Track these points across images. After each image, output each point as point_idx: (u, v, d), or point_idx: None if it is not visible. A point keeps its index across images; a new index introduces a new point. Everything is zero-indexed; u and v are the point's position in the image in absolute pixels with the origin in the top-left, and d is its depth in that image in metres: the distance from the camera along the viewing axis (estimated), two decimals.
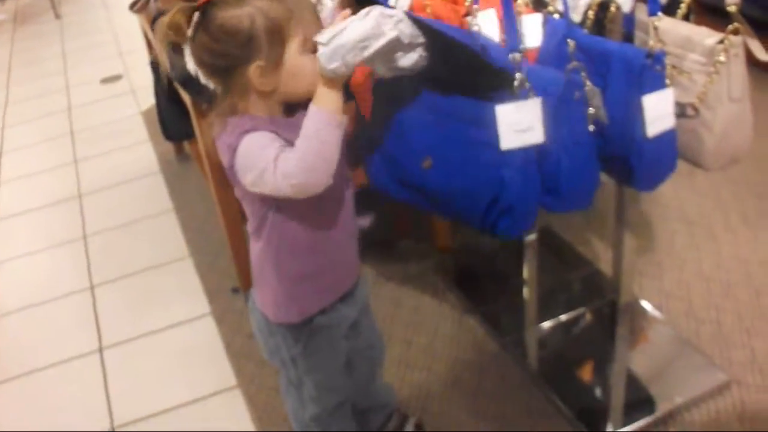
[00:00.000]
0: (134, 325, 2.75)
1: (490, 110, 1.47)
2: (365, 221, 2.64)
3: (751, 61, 1.63)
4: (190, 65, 1.46)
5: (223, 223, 2.60)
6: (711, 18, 1.79)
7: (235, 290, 2.77)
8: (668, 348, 2.29)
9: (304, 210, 1.49)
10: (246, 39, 1.35)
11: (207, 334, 2.63)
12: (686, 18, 1.74)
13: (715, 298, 2.42)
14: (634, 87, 1.58)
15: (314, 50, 1.39)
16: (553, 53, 1.71)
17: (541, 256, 2.38)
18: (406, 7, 1.80)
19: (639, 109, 1.57)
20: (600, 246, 2.71)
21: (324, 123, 1.35)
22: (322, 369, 1.73)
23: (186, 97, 2.49)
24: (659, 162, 1.67)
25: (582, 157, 1.61)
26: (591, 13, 1.80)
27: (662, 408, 2.05)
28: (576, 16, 1.77)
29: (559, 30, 1.72)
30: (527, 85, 1.48)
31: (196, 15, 1.37)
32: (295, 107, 1.48)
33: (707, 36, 1.63)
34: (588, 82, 1.58)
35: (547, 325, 2.41)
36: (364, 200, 1.82)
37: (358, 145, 1.72)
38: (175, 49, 1.45)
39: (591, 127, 1.60)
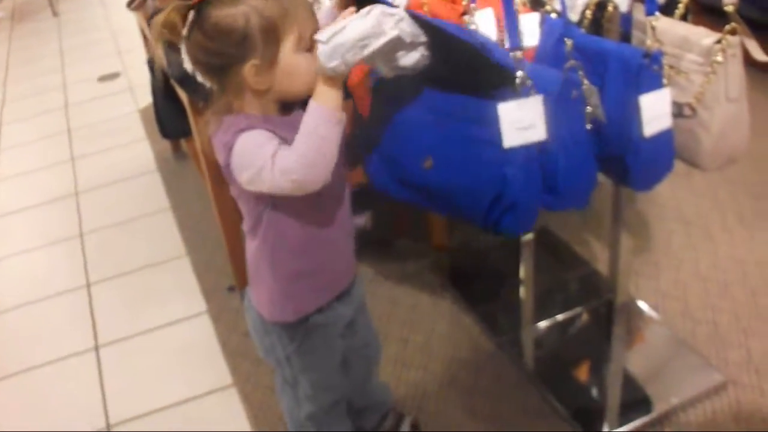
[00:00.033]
0: (130, 324, 2.74)
1: (492, 108, 1.47)
2: (362, 220, 2.65)
3: (749, 61, 1.63)
4: (187, 63, 1.45)
5: (219, 221, 2.60)
6: (709, 18, 1.79)
7: (231, 289, 2.77)
8: (664, 348, 2.29)
9: (300, 208, 1.49)
10: (241, 38, 1.35)
11: (203, 333, 2.63)
12: (684, 18, 1.74)
13: (711, 298, 2.42)
14: (632, 87, 1.58)
15: (310, 49, 1.39)
16: (550, 52, 1.71)
17: (537, 256, 2.38)
18: (403, 5, 1.80)
19: (636, 109, 1.57)
20: (597, 246, 2.71)
21: (324, 119, 1.34)
22: (318, 368, 1.73)
23: (183, 95, 2.48)
24: (656, 162, 1.67)
25: (580, 156, 1.60)
26: (588, 13, 1.80)
27: (658, 408, 2.05)
28: (573, 16, 1.77)
29: (556, 29, 1.71)
30: (529, 83, 1.48)
31: (192, 13, 1.37)
32: (292, 106, 1.48)
33: (705, 36, 1.63)
34: (585, 81, 1.58)
35: (543, 324, 2.41)
36: (361, 199, 1.82)
37: (356, 145, 1.72)
38: (172, 47, 1.45)
39: (588, 126, 1.59)
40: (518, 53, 1.49)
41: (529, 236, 2.32)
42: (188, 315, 2.74)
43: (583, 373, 2.28)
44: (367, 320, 1.88)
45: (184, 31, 1.38)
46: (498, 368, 2.28)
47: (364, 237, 2.66)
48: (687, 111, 1.66)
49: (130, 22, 4.10)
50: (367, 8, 1.31)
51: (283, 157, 1.34)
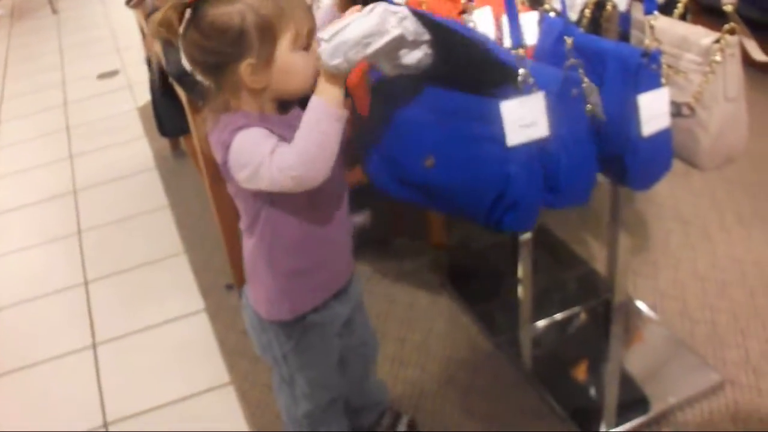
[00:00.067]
0: (128, 321, 2.74)
1: (494, 106, 1.47)
2: (361, 218, 2.65)
3: (747, 61, 1.62)
4: (185, 61, 1.45)
5: (217, 219, 2.60)
6: (708, 18, 1.79)
7: (229, 287, 2.77)
8: (662, 348, 2.29)
9: (297, 206, 1.48)
10: (236, 36, 1.35)
11: (201, 331, 2.63)
12: (683, 18, 1.73)
13: (709, 297, 2.42)
14: (630, 86, 1.58)
15: (306, 47, 1.39)
16: (548, 51, 1.71)
17: (536, 255, 2.38)
18: (404, 2, 1.79)
19: (634, 108, 1.56)
20: (595, 245, 2.71)
21: (325, 115, 1.34)
22: (315, 366, 1.73)
23: (181, 93, 2.48)
24: (654, 161, 1.67)
25: (581, 154, 1.60)
26: (587, 12, 1.80)
27: (656, 408, 2.05)
28: (572, 15, 1.77)
29: (555, 28, 1.71)
30: (530, 80, 1.48)
31: (188, 12, 1.36)
32: (289, 104, 1.48)
33: (703, 35, 1.63)
34: (586, 79, 1.57)
35: (541, 324, 2.41)
36: (360, 198, 1.82)
37: (355, 145, 1.72)
38: (171, 45, 1.45)
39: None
40: (520, 51, 1.49)
41: (527, 235, 2.32)
42: (186, 313, 2.74)
43: (580, 372, 2.28)
44: (364, 319, 1.88)
45: (181, 29, 1.38)
46: (496, 367, 2.28)
47: (362, 235, 2.66)
48: (685, 110, 1.66)
49: (129, 20, 4.10)
50: (371, 6, 1.31)
51: (283, 153, 1.34)
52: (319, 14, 1.57)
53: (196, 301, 2.78)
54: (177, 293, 2.85)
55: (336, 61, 1.30)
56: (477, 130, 1.52)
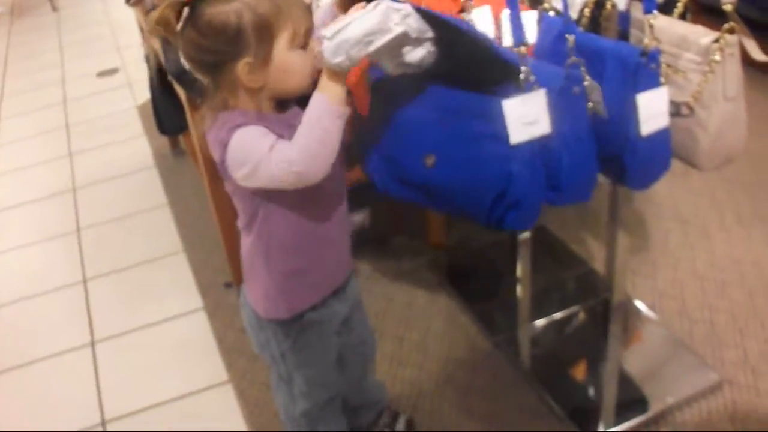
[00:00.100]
0: (126, 319, 2.74)
1: (497, 104, 1.47)
2: (360, 217, 2.65)
3: (747, 60, 1.62)
4: (183, 59, 1.45)
5: (216, 218, 2.60)
6: (708, 17, 1.78)
7: (227, 285, 2.77)
8: (661, 347, 2.29)
9: (295, 205, 1.48)
10: (233, 35, 1.34)
11: (199, 329, 2.63)
12: (683, 17, 1.73)
13: (708, 297, 2.42)
14: (629, 85, 1.57)
15: (304, 46, 1.39)
16: (547, 50, 1.70)
17: (534, 255, 2.37)
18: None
19: (633, 108, 1.56)
20: (594, 245, 2.71)
21: (327, 112, 1.34)
22: (312, 364, 1.73)
23: (180, 91, 2.48)
24: (653, 161, 1.67)
25: (582, 151, 1.60)
26: (587, 11, 1.80)
27: (654, 408, 2.05)
28: (572, 14, 1.77)
29: (554, 27, 1.71)
30: (532, 78, 1.48)
31: (186, 10, 1.36)
32: (288, 103, 1.47)
33: (703, 35, 1.63)
34: (587, 77, 1.57)
35: (539, 323, 2.40)
36: (359, 197, 1.82)
37: (355, 145, 1.72)
38: (170, 43, 1.45)
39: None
40: (522, 49, 1.49)
41: (526, 235, 2.31)
42: (184, 311, 2.73)
43: (579, 372, 2.28)
44: (363, 317, 1.88)
45: (179, 28, 1.37)
46: (494, 367, 2.27)
47: (361, 234, 2.66)
48: (684, 110, 1.66)
49: (129, 18, 4.10)
50: (374, 3, 1.30)
51: (283, 149, 1.34)
52: (319, 13, 1.57)
53: (195, 300, 2.78)
54: (176, 291, 2.84)
55: (338, 59, 1.30)
56: (479, 128, 1.52)
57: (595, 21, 1.83)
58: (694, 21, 1.76)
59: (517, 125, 1.47)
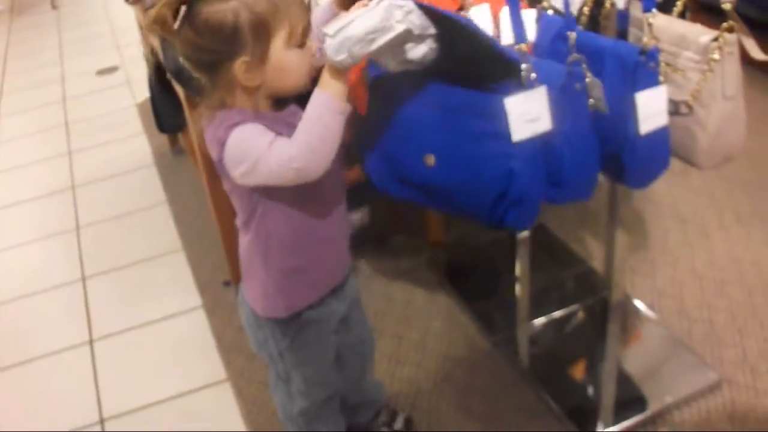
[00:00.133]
0: (125, 317, 2.74)
1: (498, 102, 1.47)
2: (359, 216, 2.64)
3: (746, 59, 1.62)
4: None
5: (215, 216, 2.60)
6: (707, 16, 1.78)
7: (226, 283, 2.77)
8: (660, 347, 2.29)
9: (293, 203, 1.48)
10: (230, 34, 1.34)
11: (198, 327, 2.63)
12: (682, 16, 1.73)
13: (707, 296, 2.41)
14: (628, 84, 1.57)
15: (301, 45, 1.38)
16: (546, 49, 1.70)
17: (534, 254, 2.37)
18: None
19: (632, 106, 1.56)
20: (593, 244, 2.70)
21: (328, 108, 1.34)
22: (311, 363, 1.73)
23: (179, 89, 2.48)
24: (652, 159, 1.66)
25: (584, 148, 1.60)
26: (586, 9, 1.79)
27: (652, 407, 2.05)
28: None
29: (553, 26, 1.71)
30: (533, 75, 1.48)
31: (183, 9, 1.35)
32: (286, 101, 1.47)
33: (702, 33, 1.62)
34: (589, 74, 1.57)
35: (538, 322, 2.40)
36: (358, 195, 1.81)
37: (354, 145, 1.71)
38: (169, 41, 1.44)
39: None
40: (523, 46, 1.49)
41: (525, 233, 2.31)
42: (183, 309, 2.73)
43: (577, 371, 2.27)
44: (361, 316, 1.88)
45: (176, 27, 1.37)
46: (493, 366, 2.27)
47: (360, 233, 2.67)
48: (683, 109, 1.65)
49: (129, 16, 4.09)
50: (376, 0, 1.30)
51: (283, 146, 1.34)
52: (318, 11, 1.57)
53: (194, 298, 2.77)
54: (174, 290, 2.84)
55: (340, 57, 1.30)
56: (480, 126, 1.52)
57: (594, 20, 1.83)
58: (694, 20, 1.75)
59: (519, 122, 1.47)
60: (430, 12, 1.35)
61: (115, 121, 4.36)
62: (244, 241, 1.58)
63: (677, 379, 2.12)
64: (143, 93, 4.17)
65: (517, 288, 2.43)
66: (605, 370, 2.24)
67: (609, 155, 1.66)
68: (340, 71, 1.34)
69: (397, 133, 1.64)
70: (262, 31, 1.35)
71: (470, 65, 1.50)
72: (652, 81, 1.57)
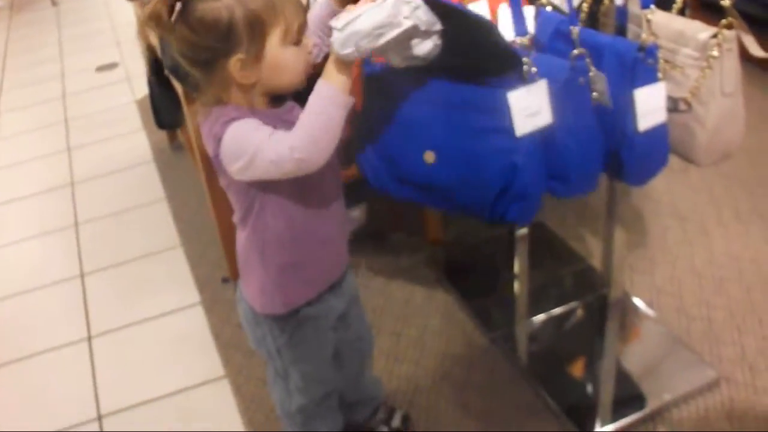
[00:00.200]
0: (124, 314, 2.73)
1: (499, 96, 1.47)
2: (357, 213, 2.64)
3: (745, 56, 1.62)
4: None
5: (213, 213, 2.59)
6: (707, 14, 1.78)
7: (225, 280, 2.76)
8: (658, 344, 2.28)
9: (291, 196, 1.48)
10: (225, 31, 1.33)
11: (196, 324, 2.62)
12: (682, 13, 1.72)
13: (706, 294, 2.41)
14: (626, 80, 1.57)
15: (297, 42, 1.38)
16: (545, 46, 1.70)
17: (533, 251, 2.37)
18: None
19: (631, 103, 1.56)
20: (592, 241, 2.70)
21: (331, 100, 1.34)
22: (309, 360, 1.72)
23: (177, 84, 2.47)
24: (650, 156, 1.66)
25: (589, 141, 1.61)
26: (585, 6, 1.79)
27: (651, 405, 2.04)
28: (567, 9, 1.76)
29: (551, 23, 1.71)
30: (534, 69, 1.48)
31: (178, 5, 1.35)
32: (282, 97, 1.47)
33: (700, 30, 1.62)
34: (592, 68, 1.57)
35: (537, 319, 2.40)
36: (356, 192, 1.81)
37: (351, 144, 1.71)
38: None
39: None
40: (525, 39, 1.48)
41: (523, 231, 2.31)
42: (182, 306, 2.73)
43: (576, 368, 2.27)
44: (360, 313, 1.87)
45: (171, 23, 1.36)
46: (491, 363, 2.27)
47: (358, 230, 2.67)
48: (682, 106, 1.65)
49: (128, 13, 4.09)
50: None
51: (284, 137, 1.34)
52: (316, 8, 1.56)
53: (192, 295, 2.77)
54: (173, 286, 2.84)
55: (347, 51, 1.30)
56: (481, 122, 1.52)
57: (593, 16, 1.83)
58: (694, 17, 1.75)
59: (521, 117, 1.48)
60: (436, 4, 1.35)
61: (114, 118, 4.35)
62: (242, 237, 1.58)
63: (676, 377, 2.12)
64: (143, 89, 4.16)
65: (516, 285, 2.43)
66: (604, 367, 2.24)
67: (607, 152, 1.66)
68: (345, 64, 1.34)
69: (396, 131, 1.64)
70: (258, 28, 1.34)
71: (472, 59, 1.50)
72: (650, 78, 1.57)
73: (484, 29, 1.48)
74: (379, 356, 2.23)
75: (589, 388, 2.19)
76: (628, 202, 2.28)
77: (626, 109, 1.57)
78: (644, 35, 1.56)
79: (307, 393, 1.77)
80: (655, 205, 2.85)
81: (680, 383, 2.09)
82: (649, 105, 1.57)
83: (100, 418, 2.32)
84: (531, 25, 1.73)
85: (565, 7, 1.74)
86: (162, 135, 3.83)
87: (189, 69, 1.41)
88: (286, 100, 1.48)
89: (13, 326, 2.81)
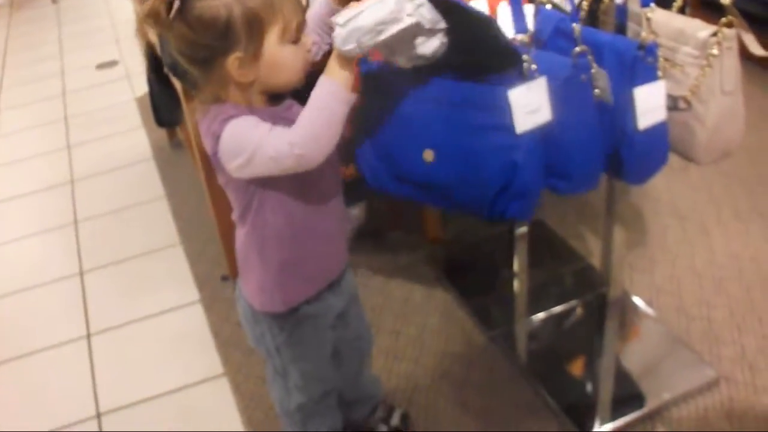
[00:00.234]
0: (123, 312, 2.73)
1: (499, 94, 1.47)
2: (356, 212, 2.63)
3: (745, 54, 1.61)
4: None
5: (213, 210, 2.59)
6: (707, 12, 1.78)
7: (224, 278, 2.76)
8: (658, 344, 2.28)
9: (290, 193, 1.47)
10: (223, 30, 1.32)
11: (195, 322, 2.62)
12: (682, 11, 1.72)
13: (706, 293, 2.41)
14: (626, 78, 1.57)
15: (296, 40, 1.38)
16: (545, 44, 1.69)
17: (532, 250, 2.37)
18: None
19: (630, 101, 1.55)
20: (592, 240, 2.70)
21: (333, 95, 1.33)
22: (308, 358, 1.72)
23: (177, 83, 2.47)
24: (650, 155, 1.66)
25: (590, 139, 1.60)
26: (585, 4, 1.79)
27: (650, 404, 2.04)
28: (568, 7, 1.76)
29: (551, 21, 1.70)
30: (533, 66, 1.48)
31: (176, 3, 1.34)
32: (281, 95, 1.46)
33: (700, 28, 1.62)
34: (594, 65, 1.57)
35: (536, 318, 2.40)
36: (356, 191, 1.81)
37: (349, 143, 1.71)
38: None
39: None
40: (525, 36, 1.48)
41: (523, 229, 2.31)
42: (181, 304, 2.73)
43: (575, 367, 2.27)
44: (359, 312, 1.87)
45: (169, 21, 1.35)
46: (490, 362, 2.27)
47: (358, 229, 2.67)
48: (682, 104, 1.65)
49: (128, 10, 4.08)
50: None
51: (283, 133, 1.33)
52: (315, 6, 1.56)
53: (192, 292, 2.77)
54: (172, 284, 2.84)
55: (349, 47, 1.30)
56: (480, 119, 1.52)
57: (593, 14, 1.82)
58: (694, 15, 1.75)
59: (521, 114, 1.48)
60: (439, 1, 1.35)
61: (114, 115, 4.35)
62: (241, 235, 1.57)
63: (675, 376, 2.11)
64: (142, 87, 4.15)
65: (515, 284, 2.43)
66: (603, 366, 2.24)
67: (607, 151, 1.66)
68: (348, 60, 1.34)
69: (394, 129, 1.64)
70: (256, 26, 1.34)
71: (473, 56, 1.50)
72: (650, 76, 1.56)
73: (485, 25, 1.48)
74: (378, 355, 2.23)
75: (589, 387, 2.19)
76: (627, 201, 2.28)
77: (626, 107, 1.57)
78: (644, 33, 1.56)
79: (306, 391, 1.77)
80: (654, 204, 2.84)
81: (680, 382, 2.09)
82: (649, 103, 1.56)
83: (99, 415, 2.32)
84: (531, 24, 1.74)
85: (565, 6, 1.73)
86: (162, 133, 3.83)
87: (187, 67, 1.40)
88: (285, 98, 1.47)
89: (12, 324, 2.81)
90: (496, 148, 1.52)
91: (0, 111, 4.70)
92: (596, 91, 1.58)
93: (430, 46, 1.39)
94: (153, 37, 2.62)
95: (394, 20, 1.29)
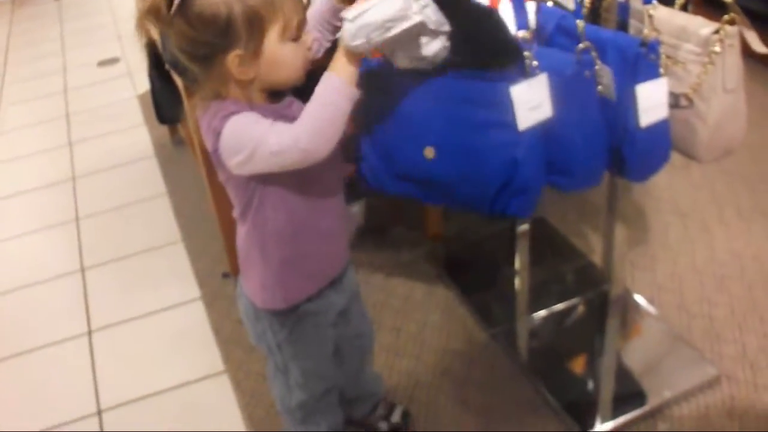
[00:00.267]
0: (124, 309, 2.73)
1: (501, 90, 1.47)
2: (357, 209, 2.63)
3: (747, 52, 1.61)
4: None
5: (214, 208, 2.59)
6: (710, 10, 1.77)
7: (225, 275, 2.76)
8: (659, 342, 2.28)
9: (291, 190, 1.47)
10: (224, 27, 1.32)
11: (196, 319, 2.62)
12: (684, 9, 1.72)
13: (707, 291, 2.41)
14: (628, 76, 1.57)
15: (296, 38, 1.38)
16: (546, 41, 1.69)
17: (534, 247, 2.37)
18: None
19: (632, 99, 1.55)
20: (593, 237, 2.70)
21: (339, 91, 1.33)
22: (309, 356, 1.72)
23: (178, 80, 2.47)
24: (652, 152, 1.66)
25: (594, 136, 1.60)
26: (587, 1, 1.78)
27: (651, 402, 2.04)
28: (570, 4, 1.76)
29: (552, 18, 1.70)
30: (535, 62, 1.48)
31: (176, 0, 1.34)
32: (282, 93, 1.46)
33: (703, 26, 1.61)
34: (598, 61, 1.56)
35: (537, 316, 2.39)
36: (356, 189, 1.80)
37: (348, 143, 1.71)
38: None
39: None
40: (526, 34, 1.48)
41: (524, 227, 2.31)
42: (182, 301, 2.73)
43: (576, 365, 2.27)
44: (361, 309, 1.87)
45: (170, 18, 1.35)
46: (491, 359, 2.27)
47: (359, 227, 2.67)
48: (684, 101, 1.65)
49: (130, 7, 4.07)
50: None
51: (286, 128, 1.33)
52: (316, 3, 1.56)
53: (193, 290, 2.77)
54: (173, 281, 2.84)
55: (358, 42, 1.30)
56: (482, 116, 1.52)
57: (595, 12, 1.82)
58: (696, 13, 1.74)
59: (523, 111, 1.47)
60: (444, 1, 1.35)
61: (115, 112, 4.35)
62: (242, 232, 1.57)
63: (676, 374, 2.11)
64: (144, 84, 4.15)
65: (517, 281, 2.43)
66: (604, 364, 2.24)
67: (609, 148, 1.66)
68: (354, 56, 1.34)
69: (395, 127, 1.63)
70: (256, 24, 1.34)
71: (475, 49, 1.49)
72: (652, 73, 1.56)
73: (488, 16, 1.48)
74: (379, 352, 2.23)
75: (590, 385, 2.19)
76: (629, 199, 2.27)
77: (628, 104, 1.56)
78: (646, 31, 1.56)
79: (307, 389, 1.77)
80: (656, 202, 2.84)
81: (681, 380, 2.09)
82: (651, 101, 1.56)
83: (99, 412, 2.32)
84: (532, 21, 1.74)
85: (568, 3, 1.73)
86: (163, 130, 3.83)
87: (187, 64, 1.40)
88: (285, 95, 1.47)
89: (13, 320, 2.81)
90: (497, 144, 1.52)
91: (2, 108, 4.70)
92: (599, 87, 1.58)
93: (432, 47, 1.39)
94: (154, 34, 2.62)
95: (402, 18, 1.30)
